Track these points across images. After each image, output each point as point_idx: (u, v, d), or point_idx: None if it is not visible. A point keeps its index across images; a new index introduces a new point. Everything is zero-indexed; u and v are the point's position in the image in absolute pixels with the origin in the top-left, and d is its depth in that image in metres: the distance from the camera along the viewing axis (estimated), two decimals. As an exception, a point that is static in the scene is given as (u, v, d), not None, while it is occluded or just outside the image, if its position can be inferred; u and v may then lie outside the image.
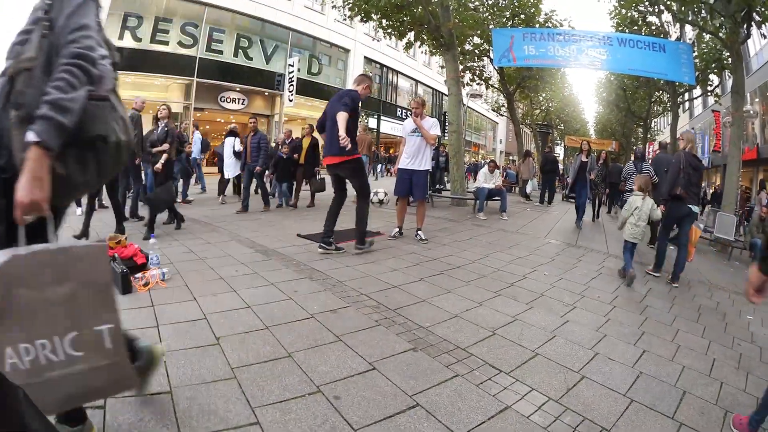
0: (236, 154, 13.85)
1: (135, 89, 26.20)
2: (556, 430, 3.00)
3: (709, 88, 24.14)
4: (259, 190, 13.28)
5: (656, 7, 20.16)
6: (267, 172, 13.74)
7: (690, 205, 7.55)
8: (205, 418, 2.86)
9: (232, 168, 14.37)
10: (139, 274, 5.49)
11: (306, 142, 13.70)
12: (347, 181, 7.73)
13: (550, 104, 45.59)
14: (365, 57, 39.98)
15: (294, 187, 14.27)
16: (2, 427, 1.23)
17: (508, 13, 21.92)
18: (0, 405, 1.24)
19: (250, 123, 13.15)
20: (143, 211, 10.17)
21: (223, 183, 15.11)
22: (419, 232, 9.02)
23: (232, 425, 2.81)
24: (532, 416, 3.12)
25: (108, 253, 5.73)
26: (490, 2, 22.09)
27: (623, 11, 20.66)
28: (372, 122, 39.64)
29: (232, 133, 14.62)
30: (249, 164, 12.53)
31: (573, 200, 14.92)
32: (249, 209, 12.16)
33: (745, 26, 13.40)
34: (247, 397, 3.10)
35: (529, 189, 21.10)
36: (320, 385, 3.30)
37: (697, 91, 27.34)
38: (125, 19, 24.95)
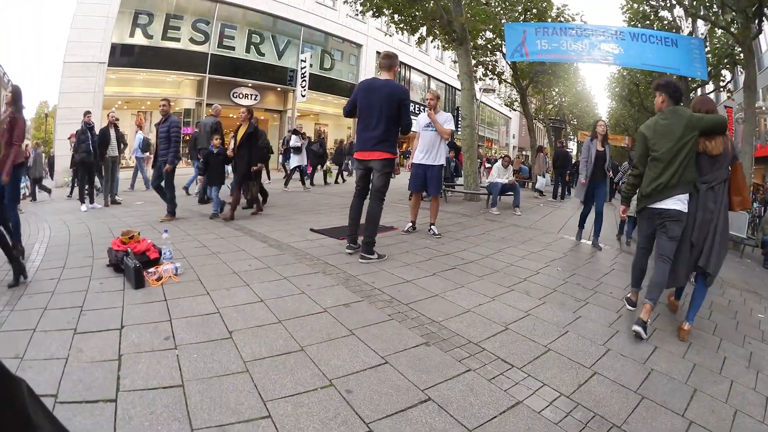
0: (295, 149, 17.09)
1: (147, 86, 26.37)
2: (567, 425, 3.00)
3: (722, 84, 24.01)
4: (167, 194, 10.19)
5: (668, 1, 20.08)
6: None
7: None
8: (216, 411, 2.89)
9: (293, 160, 17.63)
10: (152, 269, 5.55)
11: (241, 131, 10.36)
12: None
13: (563, 99, 45.34)
14: (377, 52, 39.80)
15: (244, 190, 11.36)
16: (6, 420, 1.24)
17: (520, 7, 21.82)
18: (3, 398, 1.24)
19: (161, 107, 10.36)
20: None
21: (288, 175, 18.07)
22: (432, 226, 9.04)
23: (244, 418, 2.83)
24: (544, 411, 3.12)
25: (121, 247, 5.82)
26: (501, -4, 22.02)
27: (635, 6, 20.58)
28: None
29: (294, 132, 17.88)
30: (159, 159, 10.15)
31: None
32: (177, 215, 10.21)
33: (756, 21, 13.32)
34: (259, 391, 3.12)
35: (540, 184, 21.03)
36: (332, 379, 3.32)
37: (710, 87, 27.15)
38: (136, 16, 24.97)
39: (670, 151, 4.85)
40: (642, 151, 5.24)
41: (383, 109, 6.68)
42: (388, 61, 7.03)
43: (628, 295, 5.70)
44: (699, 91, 26.75)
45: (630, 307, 5.50)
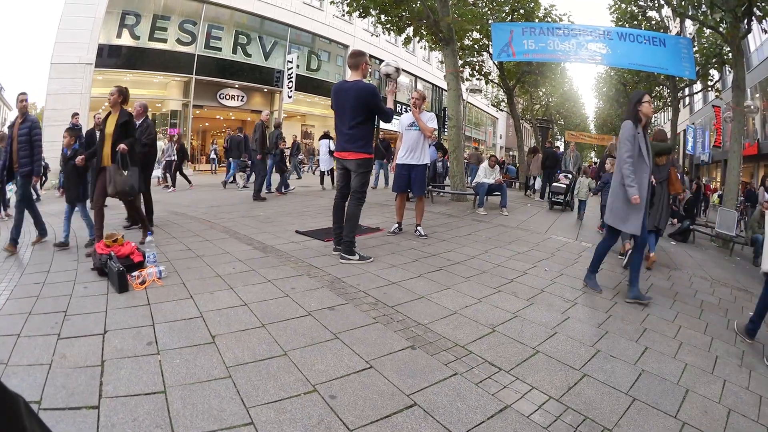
0: (331, 153, 17.05)
1: (134, 87, 26.16)
2: (557, 429, 2.96)
3: (710, 83, 24.13)
4: (32, 211, 8.15)
5: (656, 1, 20.13)
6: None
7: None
8: (199, 418, 2.84)
9: (326, 163, 18.39)
10: (135, 273, 5.50)
11: (112, 122, 7.45)
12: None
13: (550, 99, 45.46)
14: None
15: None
16: None
17: (507, 7, 21.77)
18: (2, 414, 1.21)
19: (20, 102, 7.89)
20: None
21: (322, 176, 19.17)
22: (418, 227, 8.98)
23: (226, 425, 2.79)
24: (533, 416, 3.08)
25: (105, 251, 5.76)
26: (488, -4, 22.01)
27: (623, 6, 20.63)
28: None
29: (326, 136, 18.66)
30: (21, 170, 7.78)
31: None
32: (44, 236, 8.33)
33: (745, 21, 13.35)
34: (241, 397, 3.08)
35: (540, 184, 21.01)
36: (316, 384, 3.28)
37: (698, 86, 27.30)
38: (123, 17, 24.93)
39: None
40: None
41: (352, 111, 6.73)
42: (354, 60, 7.00)
43: (626, 247, 8.53)
44: (687, 90, 26.89)
45: (620, 256, 8.67)
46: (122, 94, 7.60)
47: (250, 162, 18.24)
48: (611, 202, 6.12)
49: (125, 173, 7.32)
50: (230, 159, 20.07)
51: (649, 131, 6.64)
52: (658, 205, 8.32)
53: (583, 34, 14.42)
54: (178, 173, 18.38)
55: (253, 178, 16.78)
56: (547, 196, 16.97)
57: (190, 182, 18.33)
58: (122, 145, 7.23)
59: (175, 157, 18.40)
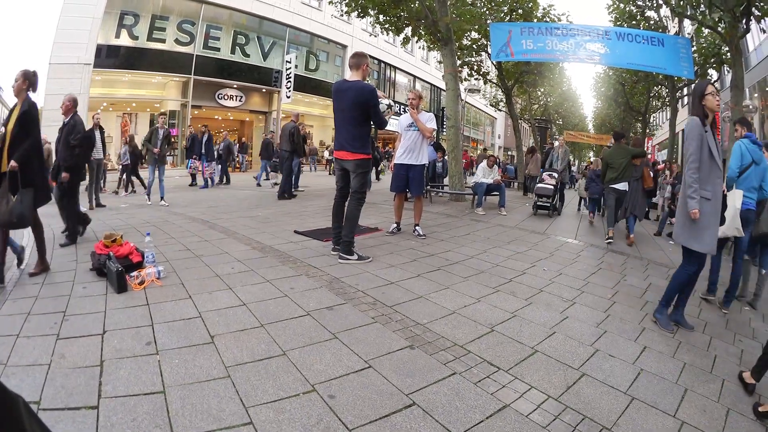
0: None
1: (132, 88, 26.25)
2: (555, 429, 2.96)
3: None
4: None
5: (654, 1, 20.14)
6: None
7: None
8: (198, 417, 2.84)
9: None
10: (134, 273, 5.48)
11: (13, 117, 5.81)
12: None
13: (549, 99, 45.45)
14: (363, 53, 39.82)
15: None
16: None
17: (505, 7, 21.75)
18: (2, 414, 1.22)
19: None
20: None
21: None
22: (417, 227, 8.99)
23: (225, 425, 2.79)
24: (532, 415, 3.09)
25: (104, 251, 5.74)
26: (487, -4, 21.99)
27: (621, 6, 20.64)
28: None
29: None
30: None
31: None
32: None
33: (744, 21, 13.32)
34: (240, 397, 3.08)
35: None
36: (315, 384, 3.27)
37: (696, 85, 27.27)
38: (122, 17, 24.84)
39: (617, 163, 10.61)
40: (605, 164, 11.08)
41: (350, 110, 6.75)
42: (356, 60, 7.02)
43: (609, 234, 10.34)
44: (685, 89, 26.90)
45: (608, 241, 10.08)
46: (27, 79, 5.96)
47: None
48: (679, 216, 5.06)
49: (12, 199, 5.66)
50: (192, 158, 20.43)
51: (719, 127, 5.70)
52: (634, 197, 10.72)
53: (581, 34, 14.43)
54: (133, 177, 17.44)
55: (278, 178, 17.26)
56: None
57: (144, 185, 16.86)
58: (12, 163, 5.63)
59: (128, 160, 17.01)
